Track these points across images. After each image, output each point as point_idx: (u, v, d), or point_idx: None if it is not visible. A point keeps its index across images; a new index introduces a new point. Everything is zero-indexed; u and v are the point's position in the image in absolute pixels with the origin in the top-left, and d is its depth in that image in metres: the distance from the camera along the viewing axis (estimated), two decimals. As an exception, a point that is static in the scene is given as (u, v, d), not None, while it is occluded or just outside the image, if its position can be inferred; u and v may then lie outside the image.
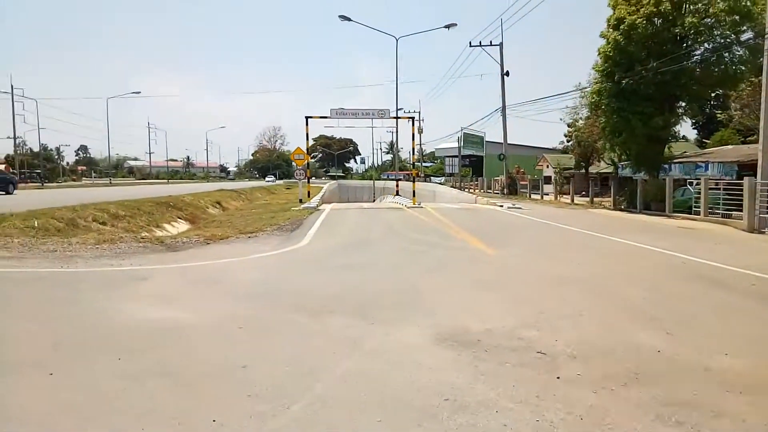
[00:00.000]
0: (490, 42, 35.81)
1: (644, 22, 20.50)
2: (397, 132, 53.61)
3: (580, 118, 35.89)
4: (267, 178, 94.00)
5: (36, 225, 13.18)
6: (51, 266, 8.11)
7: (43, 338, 4.53)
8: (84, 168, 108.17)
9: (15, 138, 63.25)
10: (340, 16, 34.30)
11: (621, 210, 22.69)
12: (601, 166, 36.53)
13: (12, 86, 60.41)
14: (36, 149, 79.95)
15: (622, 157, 25.69)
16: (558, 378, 3.82)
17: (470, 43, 36.50)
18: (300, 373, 3.82)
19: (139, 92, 71.61)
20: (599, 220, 17.89)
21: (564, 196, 31.68)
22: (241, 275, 7.64)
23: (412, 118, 26.32)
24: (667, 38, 21.09)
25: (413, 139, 26.87)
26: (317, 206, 22.31)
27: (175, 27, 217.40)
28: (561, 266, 8.45)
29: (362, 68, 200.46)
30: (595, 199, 27.45)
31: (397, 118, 30.34)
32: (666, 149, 24.11)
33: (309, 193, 25.79)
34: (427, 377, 3.79)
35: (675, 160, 25.30)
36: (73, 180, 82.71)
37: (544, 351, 4.38)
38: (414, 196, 25.71)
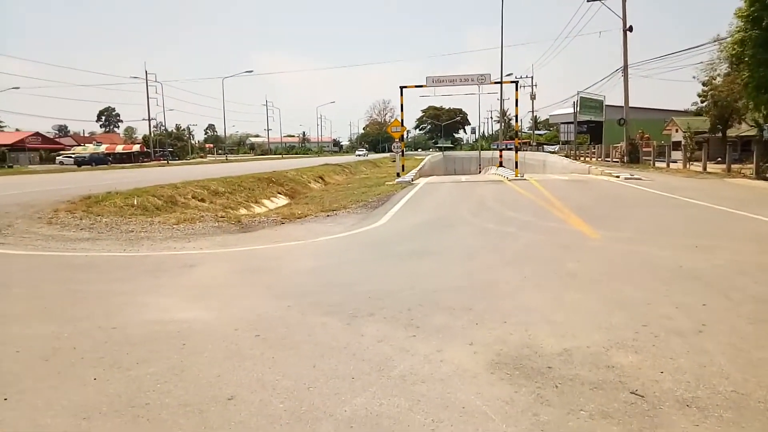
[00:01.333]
0: (611, -7, 32.22)
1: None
2: (502, 97, 50.97)
3: (718, 75, 31.16)
4: (357, 152, 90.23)
5: (135, 203, 13.61)
6: (115, 249, 7.95)
7: (39, 345, 4.05)
8: (212, 145, 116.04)
9: (150, 119, 69.11)
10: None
11: (766, 179, 19.29)
12: (742, 129, 31.68)
13: (146, 72, 65.88)
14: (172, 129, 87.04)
15: (770, 116, 21.84)
16: (657, 443, 2.60)
17: (587, -4, 33.05)
18: (294, 413, 2.92)
19: (251, 71, 74.81)
20: (736, 192, 15.15)
21: (695, 163, 27.82)
22: (294, 264, 6.92)
23: (516, 82, 24.25)
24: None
25: (516, 104, 24.78)
26: (412, 180, 21.39)
27: (288, 10, 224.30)
28: (680, 255, 6.78)
29: (474, 35, 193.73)
30: (733, 166, 23.66)
31: (501, 82, 28.35)
32: (828, 105, 20.03)
33: (403, 166, 24.81)
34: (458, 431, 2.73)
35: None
36: (201, 157, 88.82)
37: (640, 391, 3.11)
38: (516, 167, 23.80)
